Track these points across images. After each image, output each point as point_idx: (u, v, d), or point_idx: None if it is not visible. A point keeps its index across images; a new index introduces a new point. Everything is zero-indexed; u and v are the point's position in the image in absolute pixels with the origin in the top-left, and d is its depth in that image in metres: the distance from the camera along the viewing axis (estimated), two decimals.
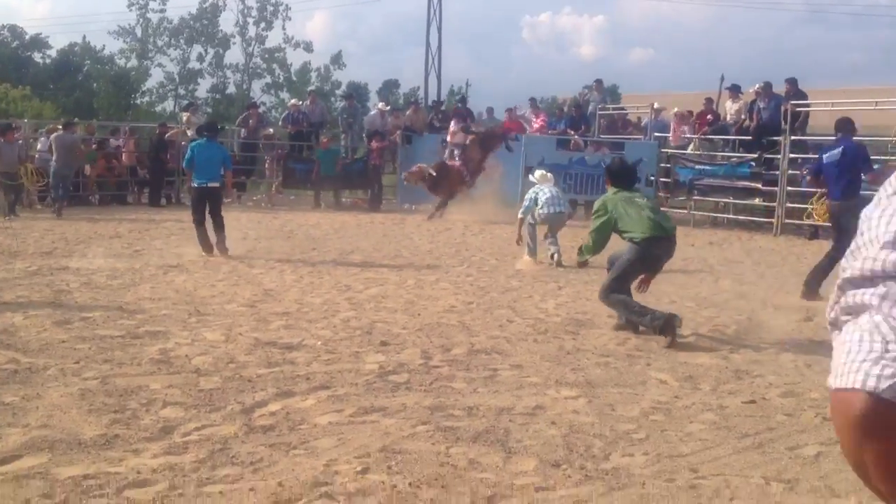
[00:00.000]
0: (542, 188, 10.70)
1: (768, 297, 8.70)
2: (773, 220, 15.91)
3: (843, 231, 8.32)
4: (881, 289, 1.05)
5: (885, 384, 0.98)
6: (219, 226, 10.94)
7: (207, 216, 10.91)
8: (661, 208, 6.85)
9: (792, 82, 16.73)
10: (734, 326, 7.13)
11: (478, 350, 5.99)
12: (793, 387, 5.23)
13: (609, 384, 5.17)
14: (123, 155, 20.08)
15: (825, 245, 14.17)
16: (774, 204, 15.83)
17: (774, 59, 69.77)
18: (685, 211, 17.65)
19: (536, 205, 10.48)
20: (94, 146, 19.95)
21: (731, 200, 17.11)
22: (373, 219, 17.14)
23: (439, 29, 42.07)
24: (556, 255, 10.43)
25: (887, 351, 1.00)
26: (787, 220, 15.77)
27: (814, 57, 78.53)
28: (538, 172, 11.21)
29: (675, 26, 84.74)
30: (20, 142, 18.37)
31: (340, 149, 21.05)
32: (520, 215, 10.69)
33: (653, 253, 6.66)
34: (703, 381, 5.33)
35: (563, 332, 6.64)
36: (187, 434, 4.06)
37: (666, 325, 6.23)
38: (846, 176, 8.71)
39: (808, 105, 16.63)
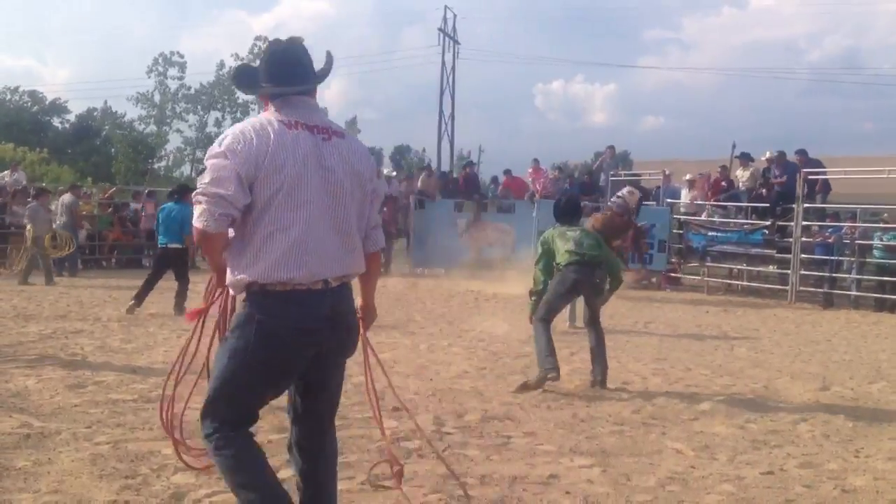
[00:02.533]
0: None
1: (784, 366, 8.62)
2: (786, 287, 15.85)
3: None
4: None
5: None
6: (180, 287, 11.26)
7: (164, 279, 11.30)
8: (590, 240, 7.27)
9: (802, 153, 16.87)
10: (750, 395, 7.05)
11: (491, 416, 5.94)
12: (811, 458, 5.15)
13: (624, 453, 5.11)
14: (141, 219, 20.27)
15: (840, 314, 14.15)
16: (788, 271, 15.77)
17: (786, 125, 70.45)
18: (699, 277, 17.63)
19: None
20: (109, 210, 20.23)
21: (744, 267, 17.08)
22: (385, 282, 17.15)
23: (452, 96, 42.78)
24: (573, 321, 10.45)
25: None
26: (801, 288, 15.70)
27: (825, 124, 79.28)
28: None
29: (687, 93, 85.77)
30: (52, 207, 18.70)
31: None
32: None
33: (569, 277, 7.12)
34: (719, 451, 5.26)
35: (576, 399, 6.59)
36: (198, 501, 4.03)
37: (537, 382, 6.77)
38: None
39: (824, 173, 16.72)
